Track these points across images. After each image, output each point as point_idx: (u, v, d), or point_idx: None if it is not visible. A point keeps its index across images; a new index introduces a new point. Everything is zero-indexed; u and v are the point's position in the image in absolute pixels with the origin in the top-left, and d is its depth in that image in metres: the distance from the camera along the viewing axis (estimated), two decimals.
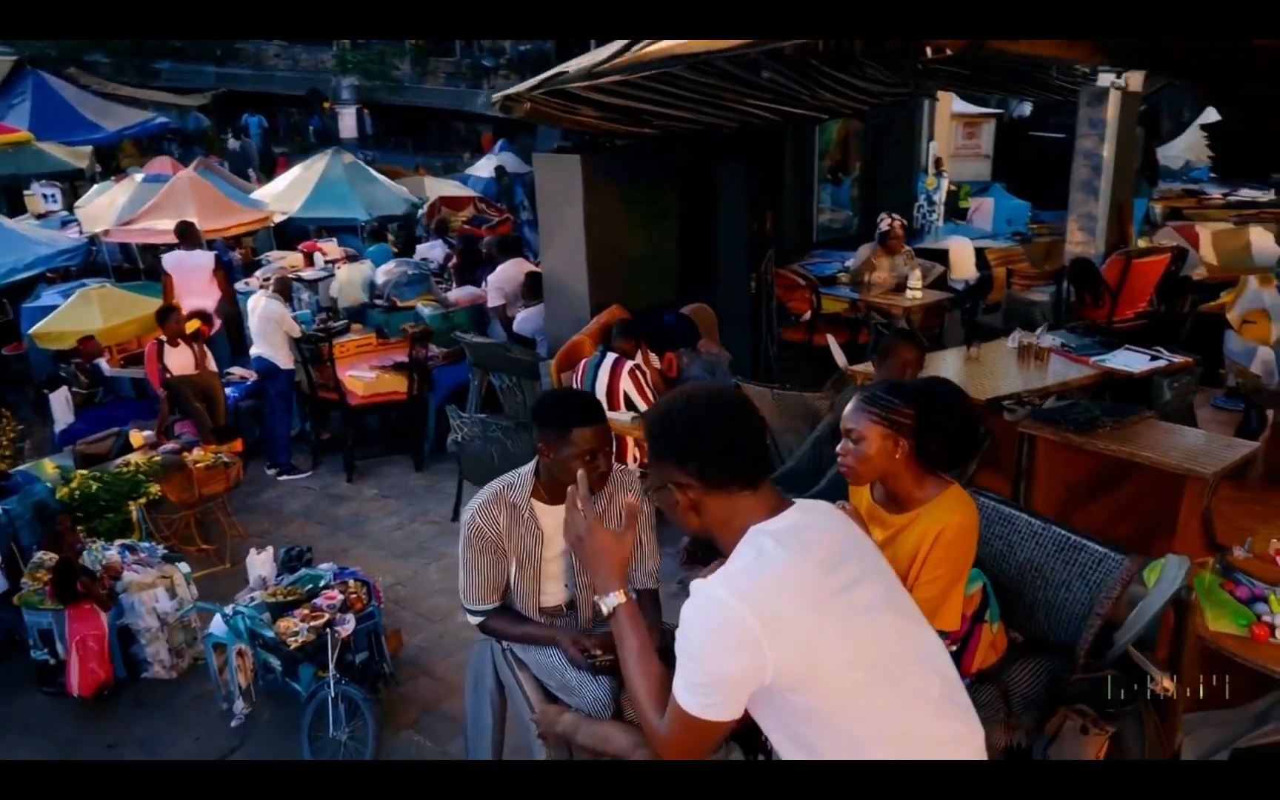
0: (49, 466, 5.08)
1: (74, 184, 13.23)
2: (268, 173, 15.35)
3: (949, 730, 1.61)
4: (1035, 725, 2.66)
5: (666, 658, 1.67)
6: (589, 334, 5.35)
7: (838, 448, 2.57)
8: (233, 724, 3.77)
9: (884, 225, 7.99)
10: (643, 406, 4.79)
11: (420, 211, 11.12)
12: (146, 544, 4.50)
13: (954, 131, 14.28)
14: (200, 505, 5.05)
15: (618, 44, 4.39)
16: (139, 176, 10.85)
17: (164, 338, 5.95)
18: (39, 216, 11.46)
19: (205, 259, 7.27)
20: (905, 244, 8.05)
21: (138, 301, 7.43)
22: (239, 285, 7.70)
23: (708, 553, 2.16)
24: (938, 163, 11.61)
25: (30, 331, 7.29)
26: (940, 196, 11.29)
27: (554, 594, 2.81)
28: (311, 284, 7.49)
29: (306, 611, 3.72)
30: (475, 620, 2.80)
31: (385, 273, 7.43)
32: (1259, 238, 8.51)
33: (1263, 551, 3.47)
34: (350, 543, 5.28)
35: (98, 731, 3.86)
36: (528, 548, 2.70)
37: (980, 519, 2.54)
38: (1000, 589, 2.80)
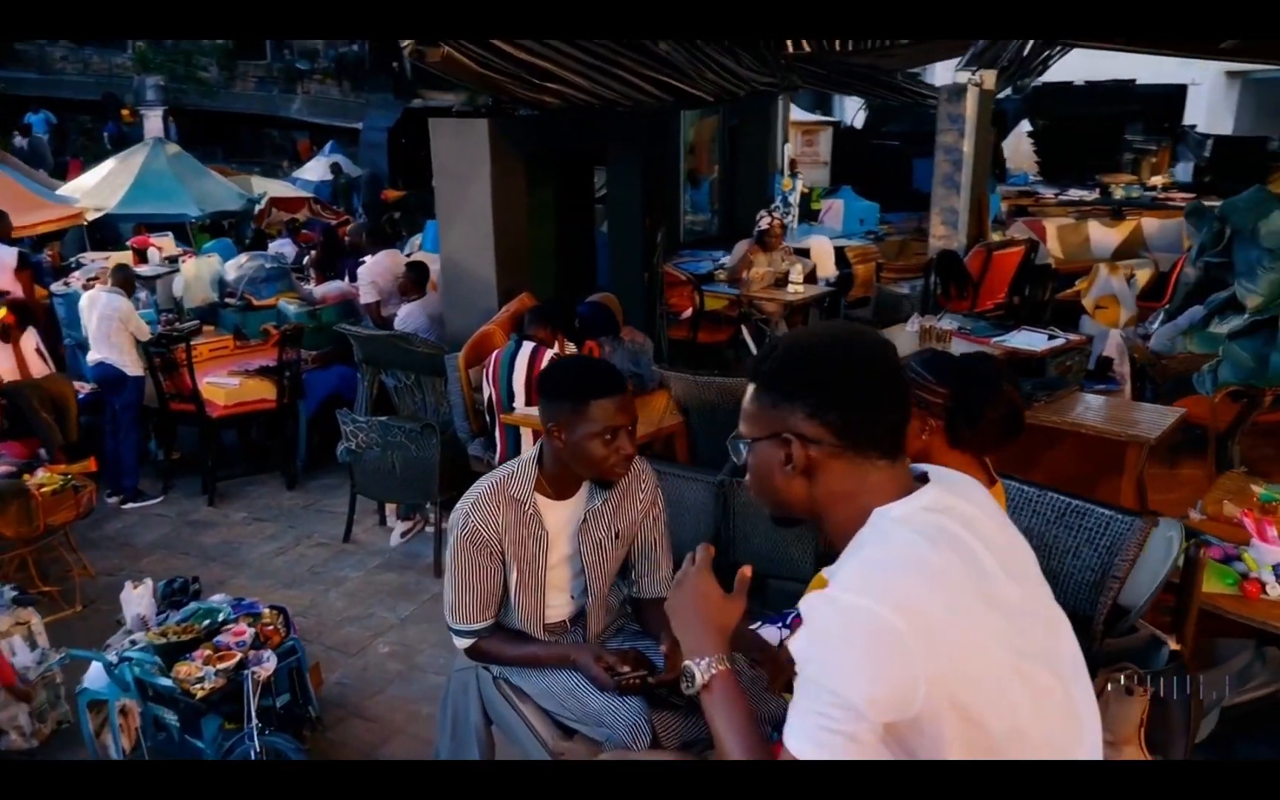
0: None
1: None
2: (60, 177, 13.68)
3: (1090, 746, 1.32)
4: None
5: None
6: (499, 324, 4.89)
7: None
8: None
9: (763, 223, 8.07)
10: None
11: (258, 208, 10.14)
12: None
13: (794, 139, 14.69)
14: (43, 539, 4.19)
15: None
16: None
17: None
18: None
19: (7, 255, 6.18)
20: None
21: None
22: (55, 287, 6.63)
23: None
24: (792, 164, 11.84)
25: None
26: (795, 198, 11.50)
27: (559, 607, 2.39)
28: (148, 282, 6.55)
29: (210, 652, 3.07)
30: (465, 643, 2.32)
31: (237, 268, 6.61)
32: (1097, 231, 9.15)
33: (1216, 514, 3.53)
34: (226, 573, 4.56)
35: None
36: (531, 552, 2.27)
37: None
38: None
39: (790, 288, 7.63)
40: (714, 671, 1.39)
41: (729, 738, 1.36)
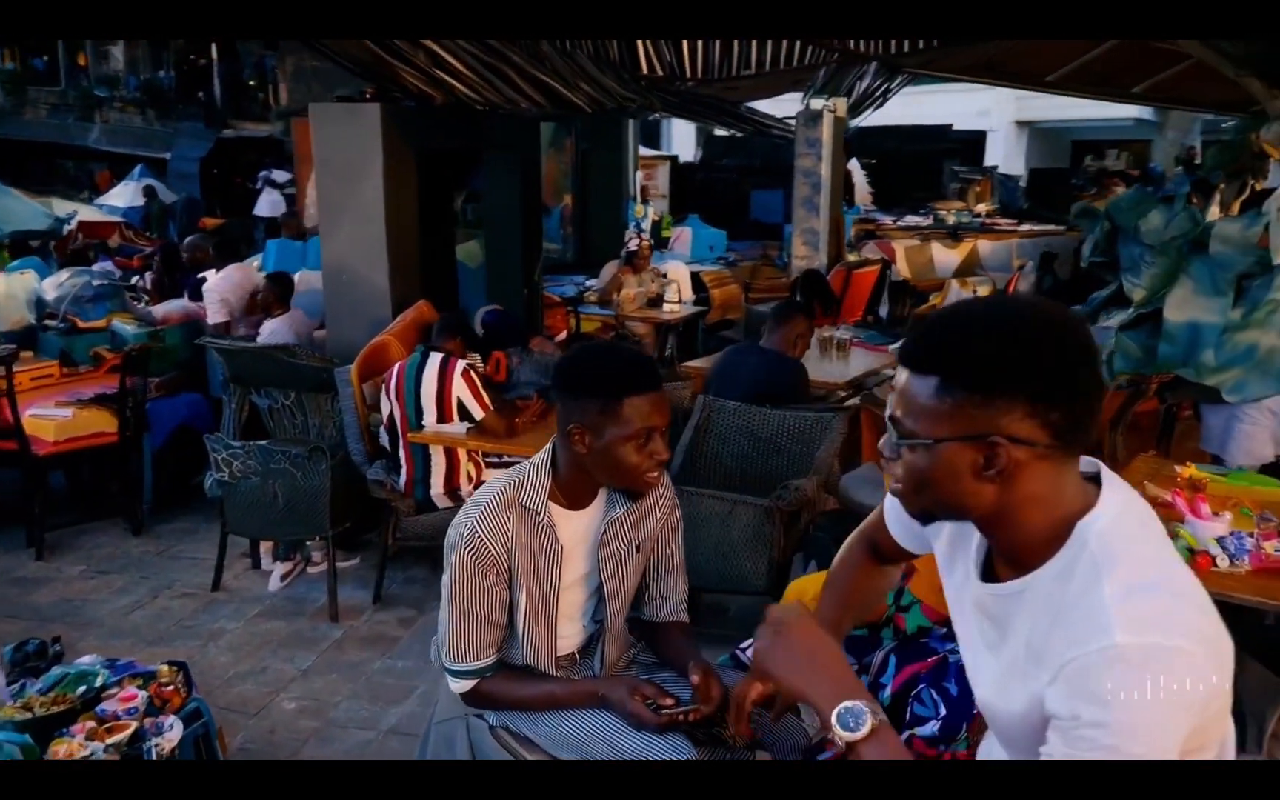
0: None
1: None
2: None
3: None
4: None
5: None
6: (395, 335, 4.42)
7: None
8: None
9: (632, 244, 8.12)
10: (479, 415, 4.01)
11: (68, 228, 8.98)
12: None
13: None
14: None
15: None
16: None
17: None
18: None
19: None
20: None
21: None
22: None
23: None
24: (644, 191, 11.87)
25: None
26: (647, 224, 11.55)
27: (571, 636, 2.05)
28: None
29: (93, 724, 2.48)
30: (464, 686, 1.93)
31: (57, 287, 5.71)
32: (939, 252, 9.67)
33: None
34: (73, 635, 3.81)
35: None
36: (544, 570, 1.91)
37: None
38: None
39: (666, 307, 7.58)
40: (880, 719, 1.25)
41: None
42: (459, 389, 4.01)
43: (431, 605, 4.05)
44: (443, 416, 4.03)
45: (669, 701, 1.82)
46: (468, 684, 1.92)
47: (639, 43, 6.37)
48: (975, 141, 17.40)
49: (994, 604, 1.25)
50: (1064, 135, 21.16)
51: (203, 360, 5.59)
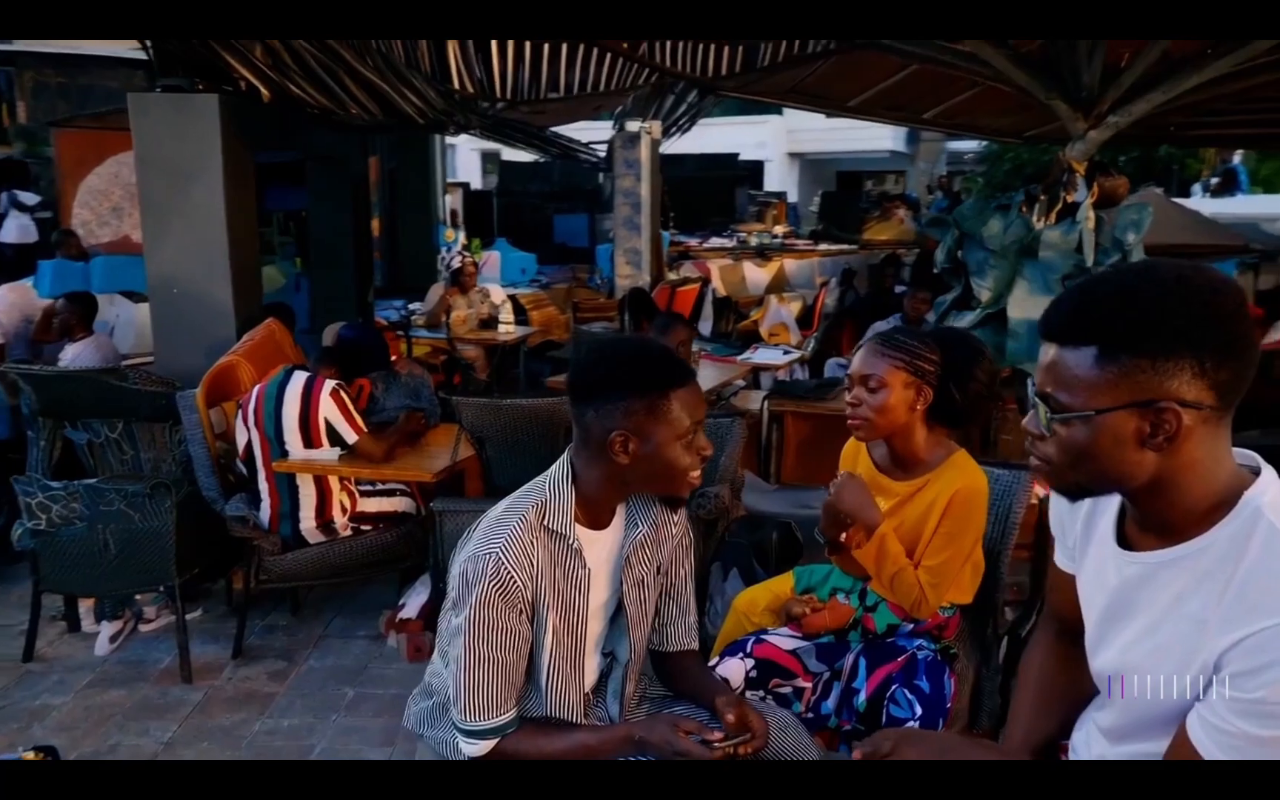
0: None
1: None
2: None
3: None
4: None
5: None
6: (243, 354, 3.93)
7: (847, 398, 2.19)
8: None
9: (457, 263, 7.86)
10: (352, 439, 3.64)
11: None
12: None
13: None
14: None
15: None
16: None
17: None
18: None
19: None
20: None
21: None
22: None
23: None
24: (453, 215, 11.54)
25: None
26: (458, 248, 11.29)
27: (590, 672, 1.84)
28: None
29: None
30: (482, 748, 1.67)
31: None
32: (750, 271, 10.09)
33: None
34: None
35: None
36: (571, 600, 1.71)
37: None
38: None
39: (502, 328, 7.37)
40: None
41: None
42: (326, 410, 3.63)
43: (307, 655, 3.64)
44: (309, 442, 3.63)
45: (717, 736, 1.64)
46: (487, 745, 1.66)
47: (451, 56, 6.15)
48: (756, 170, 18.54)
49: (1142, 572, 1.22)
50: (829, 166, 23.06)
51: None
